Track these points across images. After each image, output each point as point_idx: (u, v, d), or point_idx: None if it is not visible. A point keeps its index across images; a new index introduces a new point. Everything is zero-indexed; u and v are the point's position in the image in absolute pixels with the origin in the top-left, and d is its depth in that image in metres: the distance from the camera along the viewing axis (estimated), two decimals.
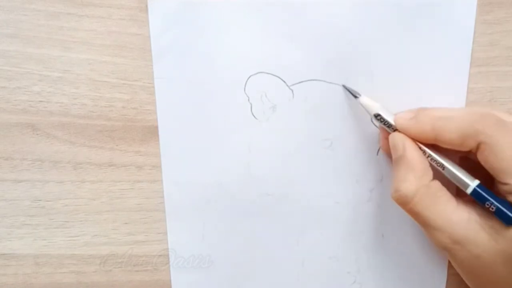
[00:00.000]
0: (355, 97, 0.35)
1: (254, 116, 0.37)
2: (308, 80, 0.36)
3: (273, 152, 0.38)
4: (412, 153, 0.32)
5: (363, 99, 0.35)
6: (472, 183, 0.31)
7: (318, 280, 0.41)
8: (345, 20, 0.35)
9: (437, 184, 0.32)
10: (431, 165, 0.33)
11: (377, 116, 0.34)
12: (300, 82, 0.36)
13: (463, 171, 0.32)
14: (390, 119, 0.34)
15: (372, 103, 0.35)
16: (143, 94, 0.36)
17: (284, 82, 0.36)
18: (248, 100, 0.36)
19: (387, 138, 0.35)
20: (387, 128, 0.34)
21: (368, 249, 0.40)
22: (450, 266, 0.40)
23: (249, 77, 0.36)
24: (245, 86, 0.36)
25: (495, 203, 0.30)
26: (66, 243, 0.40)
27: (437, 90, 0.36)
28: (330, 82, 0.36)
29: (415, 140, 0.33)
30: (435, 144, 0.32)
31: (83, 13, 0.35)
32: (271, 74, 0.36)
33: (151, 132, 0.37)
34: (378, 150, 0.37)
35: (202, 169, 0.38)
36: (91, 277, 0.41)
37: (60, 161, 0.38)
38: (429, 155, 0.33)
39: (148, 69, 0.36)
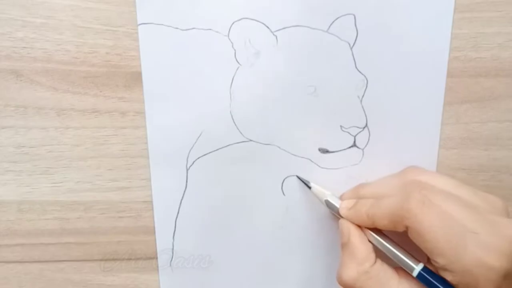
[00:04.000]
0: (309, 187, 0.46)
1: (238, 62, 0.44)
2: (292, 26, 0.43)
3: (257, 98, 0.45)
4: (355, 240, 0.40)
5: (314, 187, 0.46)
6: (417, 267, 0.38)
7: (301, 225, 0.49)
8: None
9: (377, 267, 0.39)
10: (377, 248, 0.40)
11: (327, 203, 0.45)
12: (284, 28, 0.43)
13: (407, 254, 0.39)
14: (336, 212, 0.43)
15: (323, 191, 0.45)
16: (127, 40, 0.42)
17: (268, 28, 0.43)
18: (232, 46, 0.43)
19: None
20: (336, 215, 0.44)
21: None
22: None
23: (233, 23, 0.42)
24: (229, 32, 0.43)
25: (440, 286, 0.36)
26: (50, 190, 0.47)
27: (421, 35, 0.44)
28: (315, 28, 0.43)
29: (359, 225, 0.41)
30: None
31: None
32: (255, 20, 0.42)
33: (135, 78, 0.44)
34: (362, 96, 0.46)
35: (186, 115, 0.45)
36: (74, 224, 0.48)
37: (44, 107, 0.44)
38: (372, 241, 0.41)
39: (132, 15, 0.42)
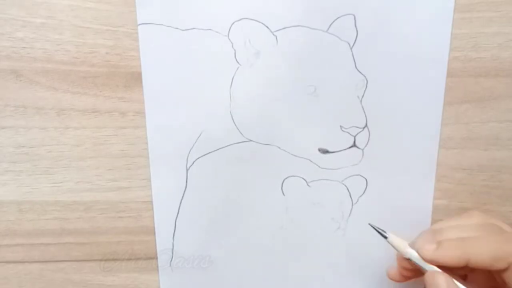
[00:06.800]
0: (384, 237, 0.43)
1: (238, 62, 0.44)
2: (292, 26, 0.43)
3: (257, 98, 0.45)
4: None
5: (392, 238, 0.43)
6: None
7: (301, 226, 0.50)
8: None
9: None
10: None
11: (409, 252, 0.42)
12: (284, 28, 0.43)
13: None
14: (421, 263, 0.41)
15: (401, 242, 0.43)
16: (127, 40, 0.43)
17: (268, 28, 0.43)
18: (232, 46, 0.43)
19: (404, 268, 0.44)
20: (417, 262, 0.41)
21: (352, 195, 0.49)
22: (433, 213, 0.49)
23: (233, 23, 0.43)
24: (229, 32, 0.43)
25: None
26: (50, 190, 0.47)
27: (421, 35, 0.44)
28: (315, 28, 0.43)
29: (443, 268, 0.40)
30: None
31: None
32: (255, 20, 0.43)
33: (135, 78, 0.44)
34: (362, 96, 0.46)
35: (186, 115, 0.45)
36: (74, 224, 0.49)
37: (44, 107, 0.44)
38: None
39: (132, 15, 0.42)
